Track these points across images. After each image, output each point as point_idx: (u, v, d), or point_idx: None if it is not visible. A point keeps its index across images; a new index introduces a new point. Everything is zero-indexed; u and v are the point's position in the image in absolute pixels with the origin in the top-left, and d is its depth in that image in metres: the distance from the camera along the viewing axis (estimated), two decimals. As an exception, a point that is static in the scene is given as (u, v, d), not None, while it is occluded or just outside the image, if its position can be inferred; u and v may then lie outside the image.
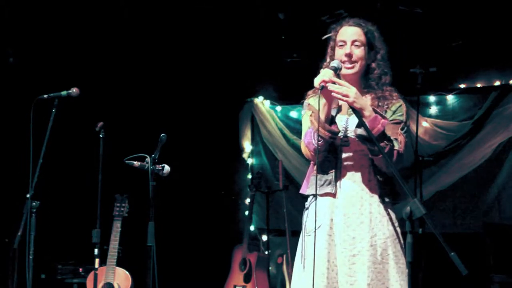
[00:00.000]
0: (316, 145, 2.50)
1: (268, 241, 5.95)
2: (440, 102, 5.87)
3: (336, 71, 2.49)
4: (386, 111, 2.60)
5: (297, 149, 6.34)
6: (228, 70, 6.02)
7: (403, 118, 2.64)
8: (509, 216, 5.51)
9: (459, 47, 5.42)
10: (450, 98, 5.80)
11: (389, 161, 2.41)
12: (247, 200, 6.10)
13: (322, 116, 2.49)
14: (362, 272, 2.49)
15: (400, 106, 2.64)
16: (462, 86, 5.78)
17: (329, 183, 2.58)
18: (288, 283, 5.38)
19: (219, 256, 5.80)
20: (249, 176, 6.52)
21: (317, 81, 2.44)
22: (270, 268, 5.69)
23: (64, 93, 3.59)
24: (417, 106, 5.25)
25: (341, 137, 2.58)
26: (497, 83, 5.60)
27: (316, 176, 2.58)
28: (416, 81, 5.19)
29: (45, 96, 3.56)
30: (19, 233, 3.37)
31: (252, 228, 6.14)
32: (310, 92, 2.73)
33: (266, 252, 5.78)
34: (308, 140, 2.55)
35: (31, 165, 3.45)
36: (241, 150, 6.61)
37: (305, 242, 2.63)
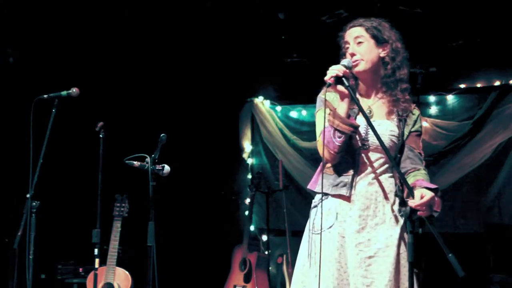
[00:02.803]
0: (337, 143, 2.48)
1: (268, 241, 5.95)
2: (440, 102, 5.87)
3: (347, 69, 2.49)
4: (405, 120, 2.64)
5: (297, 149, 6.34)
6: (228, 70, 6.02)
7: (422, 129, 2.74)
8: (509, 216, 5.51)
9: (459, 47, 5.42)
10: (450, 98, 5.80)
11: (398, 170, 2.44)
12: (247, 200, 6.10)
13: (342, 111, 2.49)
14: (379, 273, 2.49)
15: (419, 116, 2.71)
16: (462, 86, 5.78)
17: (344, 185, 2.56)
18: (288, 283, 5.38)
19: (219, 256, 5.80)
20: (249, 176, 6.51)
21: (327, 77, 2.44)
22: (270, 268, 5.69)
23: (64, 93, 3.59)
24: (417, 106, 5.24)
25: (360, 140, 2.57)
26: (497, 83, 5.61)
27: (322, 174, 2.58)
28: (416, 81, 5.19)
29: (45, 96, 3.55)
30: (19, 233, 3.37)
31: (252, 228, 6.14)
32: (325, 87, 2.67)
33: (266, 252, 5.78)
34: (328, 139, 2.50)
35: (31, 165, 3.45)
36: (241, 150, 6.61)
37: (312, 240, 2.59)
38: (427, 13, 5.00)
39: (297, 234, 5.89)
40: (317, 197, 2.66)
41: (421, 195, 2.36)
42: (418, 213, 2.34)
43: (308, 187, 2.71)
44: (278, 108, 6.57)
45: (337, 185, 2.57)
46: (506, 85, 5.56)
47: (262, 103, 6.58)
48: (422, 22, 5.12)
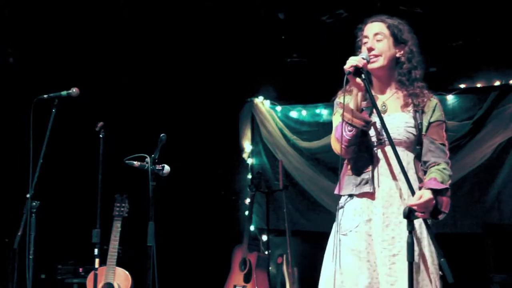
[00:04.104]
0: (347, 136, 2.48)
1: (268, 241, 5.95)
2: (440, 102, 5.85)
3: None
4: (422, 111, 2.61)
5: (297, 149, 6.34)
6: (228, 70, 6.02)
7: (443, 117, 2.68)
8: (509, 216, 5.51)
9: (459, 47, 5.41)
10: (450, 98, 5.79)
11: (403, 170, 2.42)
12: (247, 200, 6.10)
13: (353, 105, 2.50)
14: (402, 271, 2.46)
15: (437, 104, 2.66)
16: (462, 86, 5.78)
17: (366, 182, 2.55)
18: (288, 283, 5.38)
19: (219, 256, 5.80)
20: (249, 176, 6.51)
21: (347, 66, 2.44)
22: (270, 268, 5.69)
23: (64, 93, 3.60)
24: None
25: (376, 135, 2.57)
26: (497, 83, 5.60)
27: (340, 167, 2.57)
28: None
29: (45, 96, 3.56)
30: (19, 233, 3.37)
31: (252, 228, 6.14)
32: (340, 91, 2.68)
33: (266, 252, 5.77)
34: (339, 133, 2.51)
35: (31, 165, 3.45)
36: (241, 150, 6.61)
37: (340, 241, 2.58)
38: (427, 13, 5.00)
39: (297, 234, 5.92)
40: (343, 198, 2.66)
41: (420, 196, 2.36)
42: (416, 213, 2.34)
43: (335, 193, 2.70)
44: (278, 108, 6.57)
45: (359, 183, 2.57)
46: (506, 85, 5.55)
47: (262, 103, 6.58)
48: (422, 22, 5.11)
